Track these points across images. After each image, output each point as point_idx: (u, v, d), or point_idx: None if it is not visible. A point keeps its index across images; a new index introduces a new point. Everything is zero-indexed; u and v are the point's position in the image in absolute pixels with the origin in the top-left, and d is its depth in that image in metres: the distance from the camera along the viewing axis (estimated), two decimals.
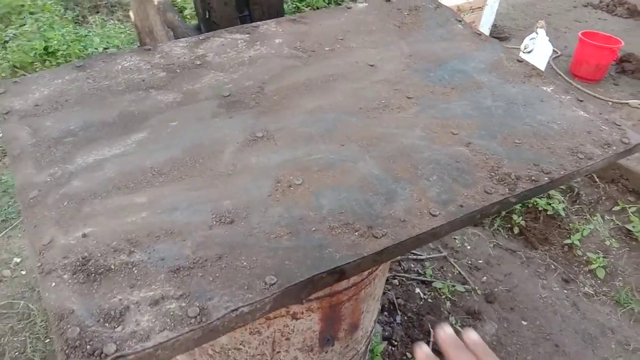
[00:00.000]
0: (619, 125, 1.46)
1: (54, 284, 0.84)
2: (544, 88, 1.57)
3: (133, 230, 0.97)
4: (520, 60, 1.70)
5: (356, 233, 1.02)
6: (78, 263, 0.88)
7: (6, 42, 5.03)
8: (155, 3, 1.68)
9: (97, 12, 6.30)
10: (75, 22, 5.82)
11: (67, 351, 0.73)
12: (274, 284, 0.89)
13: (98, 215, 0.99)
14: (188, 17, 5.59)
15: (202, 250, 0.95)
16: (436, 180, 1.18)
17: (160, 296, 0.85)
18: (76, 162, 1.12)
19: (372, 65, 1.58)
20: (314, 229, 1.02)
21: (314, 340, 1.73)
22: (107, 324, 0.79)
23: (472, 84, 1.56)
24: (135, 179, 1.10)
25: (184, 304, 0.84)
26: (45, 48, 4.77)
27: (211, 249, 0.95)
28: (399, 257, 3.36)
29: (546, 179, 1.23)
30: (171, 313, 0.82)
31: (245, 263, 0.93)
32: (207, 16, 1.80)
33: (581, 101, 1.54)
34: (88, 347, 0.75)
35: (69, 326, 0.77)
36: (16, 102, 1.30)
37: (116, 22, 6.15)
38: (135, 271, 0.89)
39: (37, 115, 1.26)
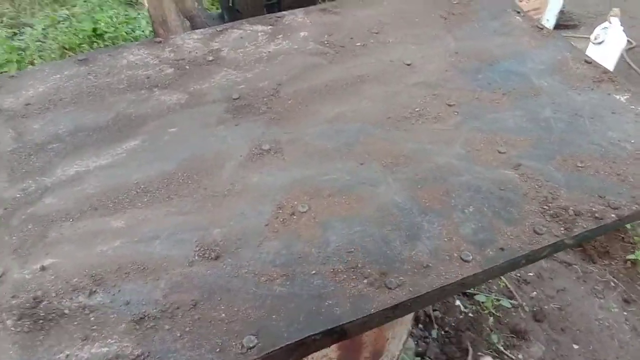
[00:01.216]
0: None
1: None
2: (617, 97, 1.30)
3: (100, 264, 0.83)
4: (589, 61, 1.42)
5: (365, 280, 0.83)
6: (28, 305, 0.75)
7: (58, 22, 5.10)
8: None
9: None
10: (127, 4, 5.83)
11: None
12: (253, 347, 0.72)
13: (64, 242, 0.86)
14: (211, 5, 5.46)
15: (176, 294, 0.79)
16: (473, 213, 0.97)
17: (115, 354, 0.71)
18: (55, 174, 0.99)
19: (409, 65, 1.36)
20: (314, 271, 0.84)
21: None
22: None
23: (528, 89, 1.31)
24: (116, 198, 0.96)
25: None
26: (94, 30, 4.78)
27: (187, 293, 0.80)
28: None
29: (613, 215, 0.98)
30: None
31: (223, 315, 0.77)
32: (230, 4, 1.63)
33: None
34: None
35: None
36: (7, 100, 1.19)
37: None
38: (92, 318, 0.75)
39: (25, 116, 1.14)
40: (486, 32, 1.52)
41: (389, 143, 1.11)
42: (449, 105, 1.24)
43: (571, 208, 0.99)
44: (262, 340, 0.73)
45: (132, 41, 4.93)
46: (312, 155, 1.07)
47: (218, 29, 1.46)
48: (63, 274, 0.81)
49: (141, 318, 0.75)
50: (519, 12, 1.61)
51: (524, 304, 3.03)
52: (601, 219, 0.98)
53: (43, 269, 0.81)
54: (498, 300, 2.98)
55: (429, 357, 2.61)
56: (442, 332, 2.77)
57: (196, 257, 0.85)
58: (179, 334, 0.74)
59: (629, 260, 3.32)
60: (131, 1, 6.05)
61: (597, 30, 4.16)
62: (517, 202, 1.00)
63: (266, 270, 0.84)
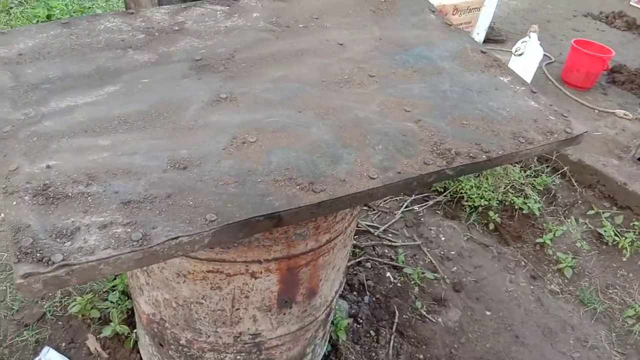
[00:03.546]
0: (566, 117, 1.56)
1: (15, 202, 0.94)
2: (502, 78, 1.67)
3: (93, 167, 1.07)
4: (484, 52, 1.80)
5: (297, 187, 1.12)
6: (39, 188, 0.98)
7: (11, 8, 5.12)
8: None
9: None
10: None
11: (19, 256, 0.84)
12: (214, 221, 0.99)
13: (63, 151, 1.10)
14: None
15: (154, 189, 1.05)
16: (381, 150, 1.28)
17: (109, 222, 0.96)
18: (50, 106, 1.22)
19: (341, 44, 1.68)
20: (259, 180, 1.12)
21: (272, 300, 1.83)
22: (58, 239, 0.89)
23: (433, 69, 1.65)
24: (102, 125, 1.20)
25: (129, 230, 0.95)
26: (48, 16, 4.85)
27: (162, 189, 1.06)
28: (373, 242, 3.47)
29: (484, 157, 1.33)
30: (117, 236, 0.93)
31: (191, 202, 1.04)
32: None
33: (534, 92, 1.64)
34: (38, 254, 0.85)
35: (23, 237, 0.87)
36: (1, 50, 1.40)
37: None
38: (90, 200, 0.99)
39: (19, 63, 1.36)
40: (406, 25, 1.86)
41: (322, 99, 1.41)
42: (370, 76, 1.56)
43: (453, 150, 1.33)
44: (220, 217, 1.00)
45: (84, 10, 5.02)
46: (260, 104, 1.35)
47: (182, 6, 1.72)
48: (64, 171, 1.04)
49: (128, 202, 1.01)
50: (434, 12, 1.97)
51: (446, 277, 3.42)
52: (474, 158, 1.32)
53: (48, 167, 1.04)
54: (423, 273, 3.36)
55: (360, 318, 2.93)
56: (374, 299, 3.10)
57: (168, 167, 1.11)
58: (157, 212, 1.00)
59: (537, 243, 3.80)
60: None
61: (518, 43, 4.69)
62: (414, 144, 1.32)
63: (223, 178, 1.11)
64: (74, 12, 5.04)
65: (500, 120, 1.48)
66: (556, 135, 1.46)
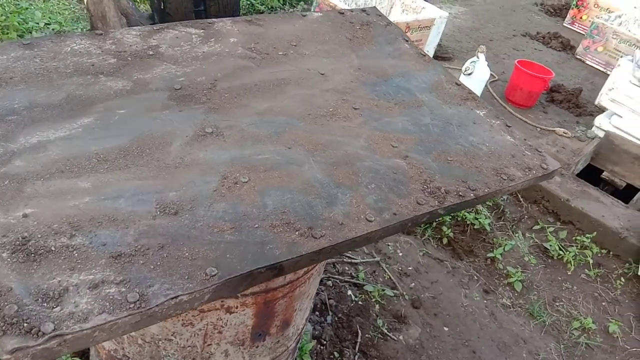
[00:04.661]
0: (541, 152, 1.61)
1: None
2: (477, 112, 1.71)
3: (75, 215, 0.98)
4: (459, 84, 1.83)
5: (297, 232, 1.08)
6: (18, 242, 0.88)
7: None
8: None
9: None
10: None
11: (3, 328, 0.74)
12: (215, 275, 0.93)
13: (40, 196, 0.99)
14: (138, 2, 5.44)
15: (145, 239, 0.97)
16: (374, 189, 1.26)
17: (100, 280, 0.87)
18: (19, 142, 1.11)
19: (322, 74, 1.65)
20: (256, 225, 1.07)
21: (246, 334, 1.76)
22: (45, 304, 0.80)
23: (413, 101, 1.66)
24: (79, 164, 1.10)
25: (124, 289, 0.86)
26: None
27: (154, 238, 0.98)
28: (334, 260, 3.45)
29: (472, 195, 1.34)
30: (111, 297, 0.85)
31: (187, 254, 0.97)
32: (162, 7, 1.80)
33: (509, 127, 1.69)
34: (25, 324, 0.76)
35: (6, 303, 0.77)
36: None
37: None
38: (76, 254, 0.90)
39: None
40: (382, 54, 1.86)
41: (310, 134, 1.37)
42: (355, 109, 1.54)
43: (443, 188, 1.33)
44: (221, 271, 0.94)
45: (25, 32, 4.70)
46: (248, 139, 1.30)
47: (155, 28, 1.63)
48: (44, 220, 0.94)
49: (118, 255, 0.92)
50: (407, 41, 1.99)
51: (405, 293, 3.46)
52: (463, 196, 1.33)
53: (25, 216, 0.93)
54: (383, 290, 3.38)
55: (324, 340, 2.90)
56: (336, 318, 3.08)
57: (158, 213, 1.04)
58: (152, 267, 0.92)
59: (488, 257, 3.94)
60: None
61: (467, 63, 4.86)
62: (405, 182, 1.32)
63: (218, 224, 1.05)
64: (10, 13, 4.70)
65: (482, 155, 1.51)
66: (534, 172, 1.51)
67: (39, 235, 0.91)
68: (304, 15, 1.94)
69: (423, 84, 1.76)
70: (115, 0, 1.63)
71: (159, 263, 0.93)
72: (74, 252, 0.91)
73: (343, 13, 2.03)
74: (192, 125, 1.30)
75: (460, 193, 1.33)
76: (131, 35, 1.57)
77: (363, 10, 2.07)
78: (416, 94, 1.70)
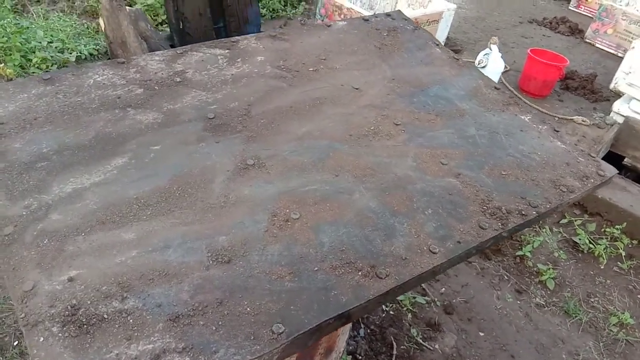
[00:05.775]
0: (594, 157, 1.52)
1: (42, 338, 0.75)
2: (522, 117, 1.61)
3: (123, 272, 0.89)
4: (498, 88, 1.73)
5: (359, 273, 0.99)
6: (67, 312, 0.80)
7: None
8: (127, 11, 1.58)
9: (38, 2, 5.90)
10: (15, 12, 5.43)
11: None
12: (282, 332, 0.84)
13: (83, 254, 0.91)
14: (158, 23, 5.35)
15: (201, 295, 0.89)
16: (432, 214, 1.17)
17: (161, 349, 0.79)
18: (53, 192, 1.02)
19: (357, 89, 1.56)
20: (316, 268, 0.98)
21: None
22: None
23: (455, 111, 1.57)
24: (120, 212, 1.02)
25: (188, 359, 0.78)
26: None
27: (210, 293, 0.89)
28: None
29: (534, 213, 1.25)
30: None
31: (248, 309, 0.88)
32: (180, 27, 1.71)
33: (557, 131, 1.59)
34: None
35: None
36: None
37: (59, 13, 5.79)
38: (131, 320, 0.82)
39: (3, 135, 1.14)
40: (414, 62, 1.77)
41: (355, 157, 1.28)
42: (396, 125, 1.45)
43: (503, 207, 1.24)
44: (288, 327, 0.86)
45: (28, 52, 4.63)
46: (292, 169, 1.21)
47: (178, 52, 1.54)
48: (91, 283, 0.86)
49: (176, 317, 0.84)
50: (437, 45, 1.89)
51: (436, 299, 3.36)
52: (526, 215, 1.24)
53: (71, 279, 0.85)
54: (414, 297, 3.29)
55: (359, 354, 2.81)
56: (369, 330, 2.99)
57: (210, 262, 0.95)
58: (214, 328, 0.83)
59: (517, 256, 3.83)
60: (19, 10, 5.66)
61: (480, 56, 4.75)
62: (462, 204, 1.22)
63: (275, 270, 0.96)
64: (12, 34, 4.62)
65: (535, 166, 1.41)
66: (592, 180, 1.41)
67: (89, 302, 0.83)
68: (329, 26, 1.85)
69: (461, 90, 1.66)
70: (134, 24, 1.55)
71: (220, 323, 0.85)
72: (129, 317, 0.82)
73: (368, 20, 1.93)
74: (232, 158, 1.21)
75: (522, 212, 1.24)
76: (155, 61, 1.49)
77: (388, 14, 1.98)
78: (456, 102, 1.60)
